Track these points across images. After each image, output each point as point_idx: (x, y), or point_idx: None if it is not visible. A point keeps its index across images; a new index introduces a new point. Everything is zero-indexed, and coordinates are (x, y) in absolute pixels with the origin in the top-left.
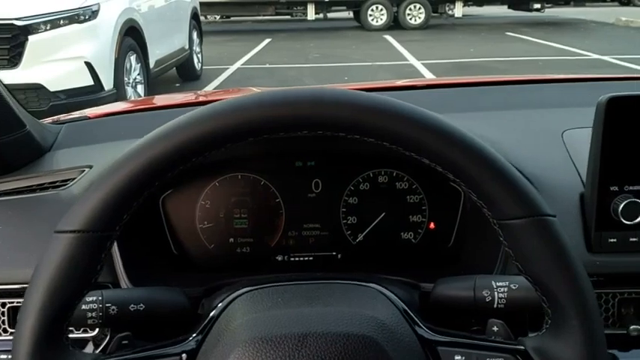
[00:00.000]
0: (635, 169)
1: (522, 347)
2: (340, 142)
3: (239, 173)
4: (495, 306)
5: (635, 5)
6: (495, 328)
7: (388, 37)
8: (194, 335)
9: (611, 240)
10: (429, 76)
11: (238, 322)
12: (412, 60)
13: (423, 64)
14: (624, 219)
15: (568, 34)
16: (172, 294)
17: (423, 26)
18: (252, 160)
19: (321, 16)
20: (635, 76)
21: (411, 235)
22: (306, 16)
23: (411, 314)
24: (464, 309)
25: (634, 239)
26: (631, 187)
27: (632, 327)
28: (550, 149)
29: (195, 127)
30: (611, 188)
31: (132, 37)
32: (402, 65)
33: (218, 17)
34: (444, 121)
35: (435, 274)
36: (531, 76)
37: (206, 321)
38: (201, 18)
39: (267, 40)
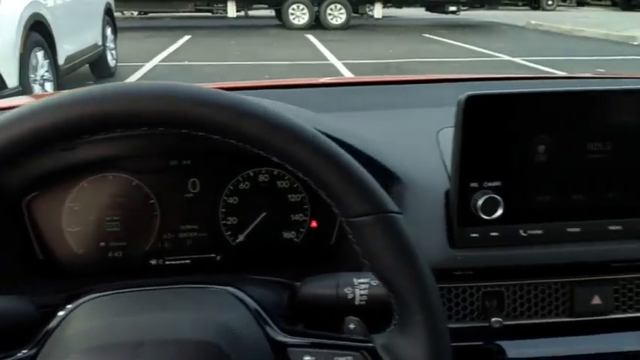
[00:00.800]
0: (493, 165)
1: (372, 345)
2: (218, 139)
3: (110, 173)
4: (357, 303)
5: (544, 9)
6: (352, 326)
7: (310, 37)
8: (29, 348)
9: (473, 235)
10: (348, 75)
11: (72, 332)
12: (333, 59)
13: (343, 63)
14: (483, 214)
15: (482, 37)
16: (16, 303)
17: (344, 26)
18: (123, 159)
19: (242, 13)
20: (525, 75)
21: (293, 234)
22: (227, 13)
23: (265, 316)
24: (328, 307)
25: (494, 234)
26: (490, 184)
27: (493, 319)
28: (424, 148)
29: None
30: (471, 184)
31: (38, 32)
32: (323, 65)
33: (135, 13)
34: (290, 118)
35: (315, 272)
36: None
37: (43, 332)
38: (118, 14)
39: (187, 37)
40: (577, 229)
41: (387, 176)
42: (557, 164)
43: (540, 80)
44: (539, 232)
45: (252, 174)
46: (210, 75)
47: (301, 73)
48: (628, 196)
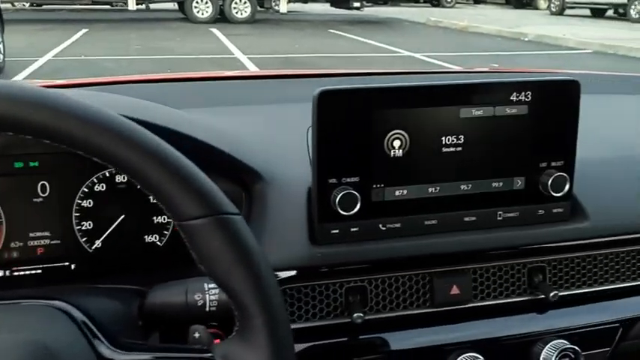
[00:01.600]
0: (350, 161)
1: (210, 355)
2: None
3: None
4: (207, 309)
5: (443, 6)
6: (197, 335)
7: (214, 31)
8: None
9: (334, 231)
10: (254, 70)
11: None
12: (238, 54)
13: (248, 57)
14: (342, 210)
15: (384, 33)
16: None
17: (250, 20)
18: None
19: (143, 6)
20: (420, 70)
21: (155, 237)
22: (127, 5)
23: (95, 331)
24: (178, 315)
25: (355, 229)
26: (348, 179)
27: (355, 315)
28: (292, 144)
29: None
30: (330, 181)
31: None
32: (228, 59)
33: (27, 4)
34: (113, 116)
35: (180, 277)
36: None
37: None
38: (6, 5)
39: (84, 31)
40: (434, 222)
41: (248, 173)
42: (413, 159)
43: (436, 74)
44: (398, 225)
45: (108, 174)
46: (109, 70)
47: (205, 68)
48: (479, 188)
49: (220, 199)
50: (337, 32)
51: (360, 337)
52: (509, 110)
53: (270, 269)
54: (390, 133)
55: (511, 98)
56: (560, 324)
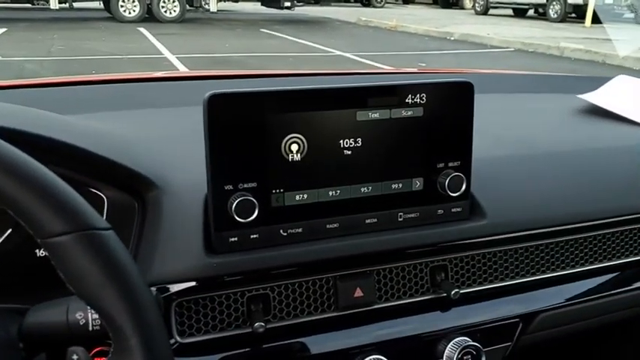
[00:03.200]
0: (246, 167)
1: None
2: None
3: None
4: (90, 329)
5: (374, 6)
6: (75, 357)
7: (142, 30)
8: None
9: (232, 239)
10: (183, 70)
11: None
12: (167, 53)
13: (177, 57)
14: (240, 217)
15: (315, 32)
16: None
17: (179, 19)
18: None
19: (66, 5)
20: (350, 71)
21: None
22: (49, 4)
23: None
24: (60, 337)
25: (254, 236)
26: (245, 185)
27: (256, 324)
28: (192, 149)
29: None
30: (226, 187)
31: None
32: (156, 59)
33: None
34: None
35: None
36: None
37: None
38: None
39: (3, 30)
40: (335, 225)
41: (139, 180)
42: (311, 162)
43: (364, 75)
44: (299, 230)
45: None
46: (30, 71)
47: (131, 68)
48: (379, 190)
49: (86, 213)
50: (269, 32)
51: (264, 346)
52: (405, 112)
53: (144, 286)
54: (287, 138)
55: (407, 100)
56: (462, 321)
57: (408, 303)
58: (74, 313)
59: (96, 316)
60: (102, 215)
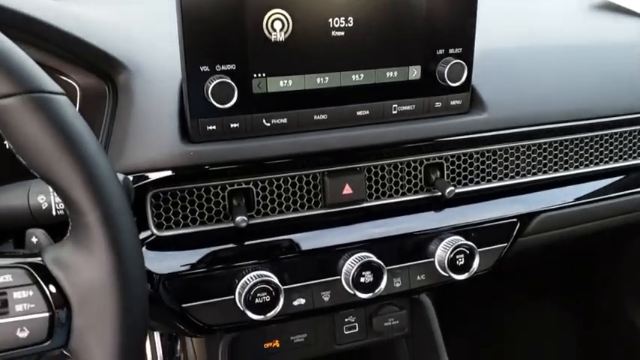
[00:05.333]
0: (223, 46)
1: (39, 259)
2: None
3: None
4: (55, 213)
5: None
6: (34, 239)
7: None
8: None
9: (210, 127)
10: None
11: None
12: None
13: None
14: (217, 102)
15: None
16: None
17: None
18: None
19: None
20: None
21: None
22: None
23: None
24: (22, 222)
25: (234, 125)
26: (223, 67)
27: (238, 218)
28: (167, 33)
29: None
30: (202, 68)
31: None
32: None
33: None
34: None
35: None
36: None
37: None
38: None
39: None
40: (324, 116)
41: (109, 62)
42: (297, 43)
43: None
44: (284, 120)
45: None
46: None
47: None
48: (372, 78)
49: (36, 75)
50: None
51: (247, 242)
52: None
53: (103, 156)
54: (269, 13)
55: None
56: (456, 221)
57: (400, 202)
58: (35, 196)
59: (59, 199)
60: (75, 105)
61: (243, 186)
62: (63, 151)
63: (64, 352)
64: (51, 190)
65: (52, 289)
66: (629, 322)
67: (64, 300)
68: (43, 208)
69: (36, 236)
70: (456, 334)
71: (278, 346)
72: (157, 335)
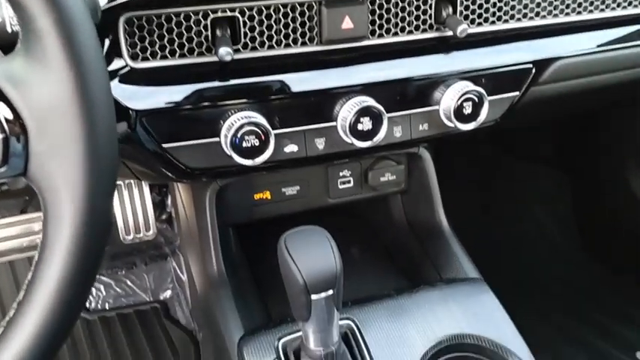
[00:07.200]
0: None
1: None
2: None
3: None
4: (10, 29)
5: None
6: None
7: None
8: None
9: None
10: None
11: None
12: None
13: None
14: None
15: None
16: None
17: None
18: None
19: None
20: None
21: None
22: None
23: None
24: None
25: None
26: None
27: (222, 49)
28: None
29: None
30: None
31: None
32: None
33: None
34: None
35: None
36: None
37: None
38: None
39: None
40: None
41: None
42: None
43: None
44: None
45: None
46: None
47: None
48: None
49: None
50: None
51: (233, 81)
52: None
53: None
54: None
55: None
56: (466, 65)
57: (405, 42)
58: None
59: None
60: None
61: (228, 13)
62: None
63: (25, 179)
64: (4, 1)
65: (3, 108)
66: (631, 193)
67: (18, 121)
68: None
69: None
70: (451, 193)
71: (269, 197)
72: (146, 190)
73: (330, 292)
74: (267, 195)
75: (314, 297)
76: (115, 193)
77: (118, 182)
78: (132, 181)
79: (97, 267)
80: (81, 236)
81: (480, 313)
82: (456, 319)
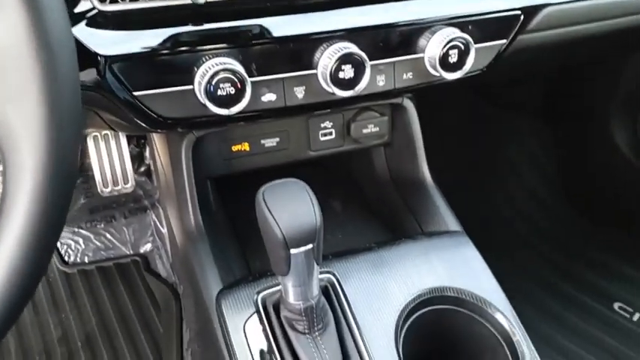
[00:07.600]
0: None
1: None
2: None
3: None
4: None
5: None
6: None
7: None
8: None
9: None
10: None
11: None
12: None
13: None
14: None
15: None
16: None
17: None
18: None
19: None
20: None
21: None
22: None
23: None
24: None
25: None
26: None
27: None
28: None
29: None
30: None
31: None
32: None
33: None
34: None
35: None
36: None
37: None
38: None
39: None
40: None
41: None
42: None
43: None
44: None
45: None
46: None
47: None
48: None
49: None
50: None
51: (206, 25)
52: None
53: None
54: None
55: None
56: (452, 10)
57: None
58: None
59: None
60: None
61: None
62: None
63: None
64: None
65: None
66: (614, 145)
67: None
68: None
69: None
70: (435, 145)
71: (248, 149)
72: (124, 141)
73: (310, 246)
74: (246, 147)
75: (293, 251)
76: (91, 145)
77: (94, 133)
78: (108, 132)
79: (63, 219)
80: (44, 189)
81: (460, 265)
82: (437, 271)
